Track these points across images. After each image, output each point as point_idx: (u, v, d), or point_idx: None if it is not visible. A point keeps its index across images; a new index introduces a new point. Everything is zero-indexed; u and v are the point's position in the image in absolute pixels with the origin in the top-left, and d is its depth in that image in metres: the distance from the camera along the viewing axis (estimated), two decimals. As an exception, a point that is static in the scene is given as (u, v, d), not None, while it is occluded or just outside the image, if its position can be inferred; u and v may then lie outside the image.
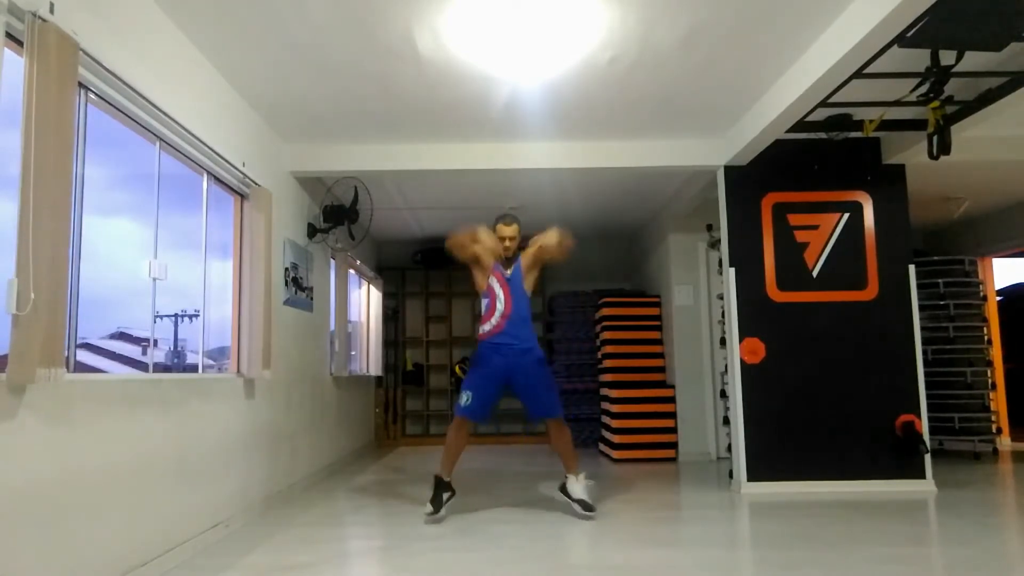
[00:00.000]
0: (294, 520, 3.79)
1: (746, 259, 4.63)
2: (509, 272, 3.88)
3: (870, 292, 4.56)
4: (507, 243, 3.87)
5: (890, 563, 2.83)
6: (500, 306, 3.81)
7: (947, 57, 3.31)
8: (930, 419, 5.11)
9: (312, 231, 5.07)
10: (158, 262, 2.96)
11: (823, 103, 3.65)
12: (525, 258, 3.91)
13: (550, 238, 3.86)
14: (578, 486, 3.74)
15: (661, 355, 6.51)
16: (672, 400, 6.22)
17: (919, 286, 5.17)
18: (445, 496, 3.74)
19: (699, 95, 3.98)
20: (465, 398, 3.77)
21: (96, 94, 2.58)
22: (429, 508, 3.67)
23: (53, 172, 2.08)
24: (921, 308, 5.76)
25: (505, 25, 3.14)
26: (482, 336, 3.87)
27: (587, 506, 3.67)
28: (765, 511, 3.92)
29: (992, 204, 6.48)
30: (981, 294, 6.29)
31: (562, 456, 3.85)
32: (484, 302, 3.89)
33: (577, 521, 3.67)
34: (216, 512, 3.36)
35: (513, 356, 3.78)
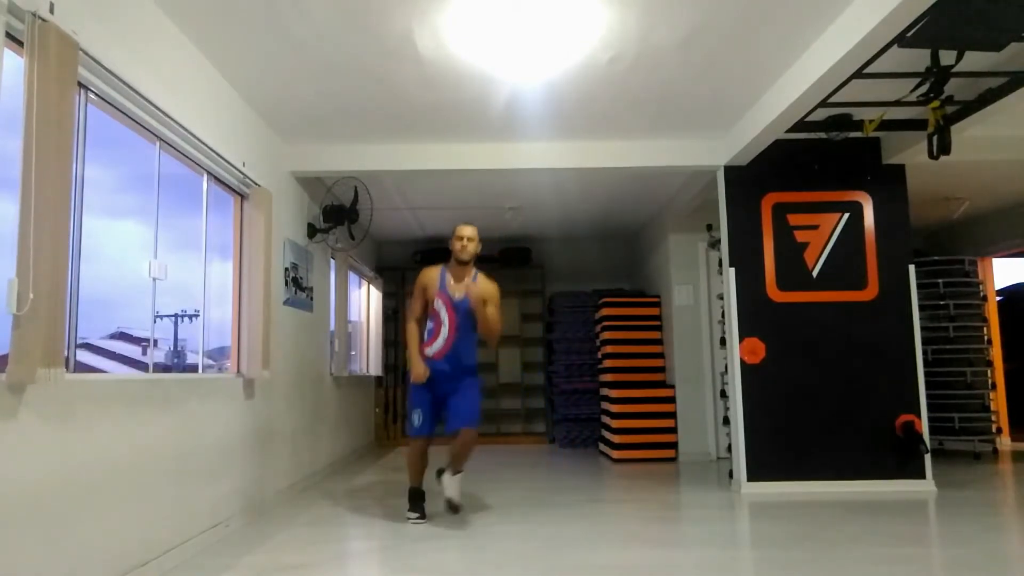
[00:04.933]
0: (294, 520, 3.79)
1: (746, 259, 4.62)
2: (459, 296, 3.69)
3: (870, 292, 4.56)
4: (465, 243, 3.68)
5: (890, 563, 2.84)
6: (444, 331, 3.67)
7: (947, 57, 3.31)
8: (930, 419, 5.11)
9: (312, 231, 5.07)
10: (158, 262, 2.96)
11: (823, 103, 3.65)
12: (477, 292, 3.66)
13: (492, 306, 3.67)
14: (454, 486, 3.67)
15: (661, 355, 6.51)
16: (672, 400, 6.22)
17: (919, 286, 5.17)
18: (420, 504, 3.74)
19: (699, 95, 3.98)
20: (416, 417, 3.72)
21: (96, 94, 2.58)
22: (414, 515, 3.67)
23: (53, 172, 2.08)
24: (921, 308, 5.76)
25: (505, 25, 3.14)
26: (425, 357, 3.74)
27: (453, 506, 3.65)
28: (765, 511, 3.92)
29: (992, 204, 6.48)
30: (981, 294, 6.29)
31: (455, 457, 3.69)
32: (429, 325, 3.76)
33: (577, 521, 3.67)
34: (216, 512, 3.36)
35: (448, 380, 3.69)
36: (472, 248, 3.70)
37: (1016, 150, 4.55)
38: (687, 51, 3.42)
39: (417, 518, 3.66)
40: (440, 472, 3.81)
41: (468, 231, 3.71)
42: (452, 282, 3.73)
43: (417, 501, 3.74)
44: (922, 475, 4.43)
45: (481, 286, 3.72)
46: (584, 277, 8.04)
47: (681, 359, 6.26)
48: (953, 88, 3.59)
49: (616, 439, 6.12)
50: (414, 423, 3.73)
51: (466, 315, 3.69)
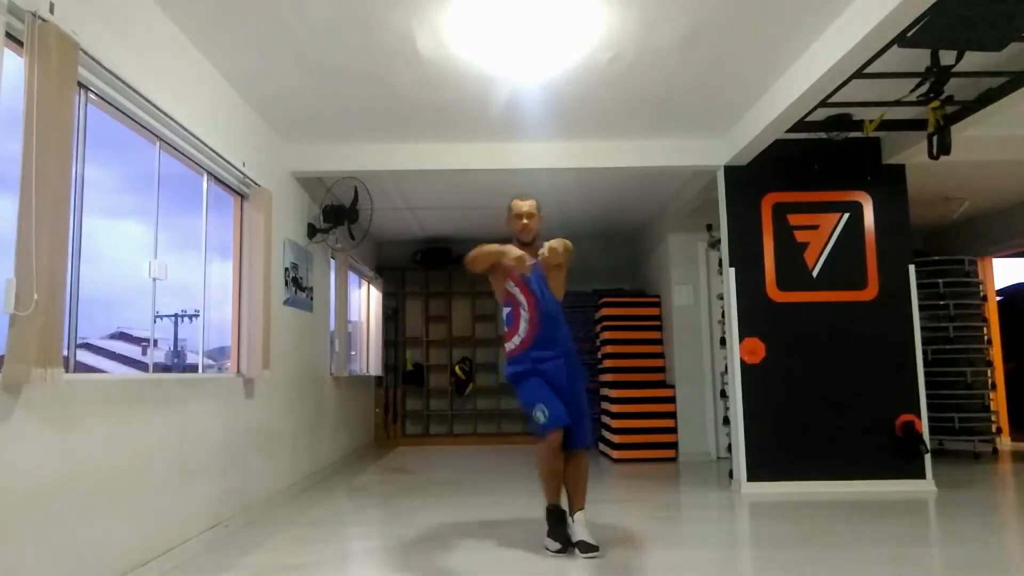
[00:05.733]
0: (294, 520, 3.79)
1: (746, 259, 4.62)
2: (528, 272, 3.13)
3: (870, 292, 4.56)
4: (525, 221, 3.16)
5: (890, 563, 2.83)
6: (525, 314, 3.13)
7: (947, 57, 3.31)
8: (930, 419, 5.11)
9: (312, 231, 5.07)
10: (158, 262, 2.96)
11: (823, 103, 3.65)
12: (544, 259, 3.09)
13: (557, 243, 3.07)
14: (577, 527, 3.09)
15: (661, 355, 6.51)
16: (672, 400, 6.22)
17: (919, 286, 5.16)
18: (562, 528, 3.10)
19: (699, 95, 3.98)
20: (540, 413, 3.02)
21: (96, 94, 2.58)
22: (555, 545, 3.04)
23: (53, 172, 2.08)
24: (921, 308, 5.76)
25: (505, 25, 3.14)
26: (511, 353, 3.18)
27: (587, 547, 2.99)
28: (765, 511, 3.91)
29: (992, 204, 6.48)
30: (981, 294, 6.29)
31: (571, 493, 3.19)
32: (506, 312, 3.22)
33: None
34: (216, 512, 3.36)
35: (558, 369, 3.14)
36: (534, 225, 3.17)
37: (1016, 150, 4.55)
38: (687, 51, 3.42)
39: (558, 549, 3.00)
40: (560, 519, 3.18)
41: (526, 206, 3.16)
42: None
43: (558, 525, 3.08)
44: (922, 475, 4.43)
45: (542, 257, 3.05)
46: (584, 277, 8.04)
47: (681, 359, 6.26)
48: (953, 88, 3.59)
49: (616, 439, 6.12)
50: (540, 419, 3.01)
51: (544, 292, 3.14)
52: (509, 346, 3.19)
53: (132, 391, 2.64)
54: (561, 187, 5.90)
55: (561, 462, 3.10)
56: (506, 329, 3.22)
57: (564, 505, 3.19)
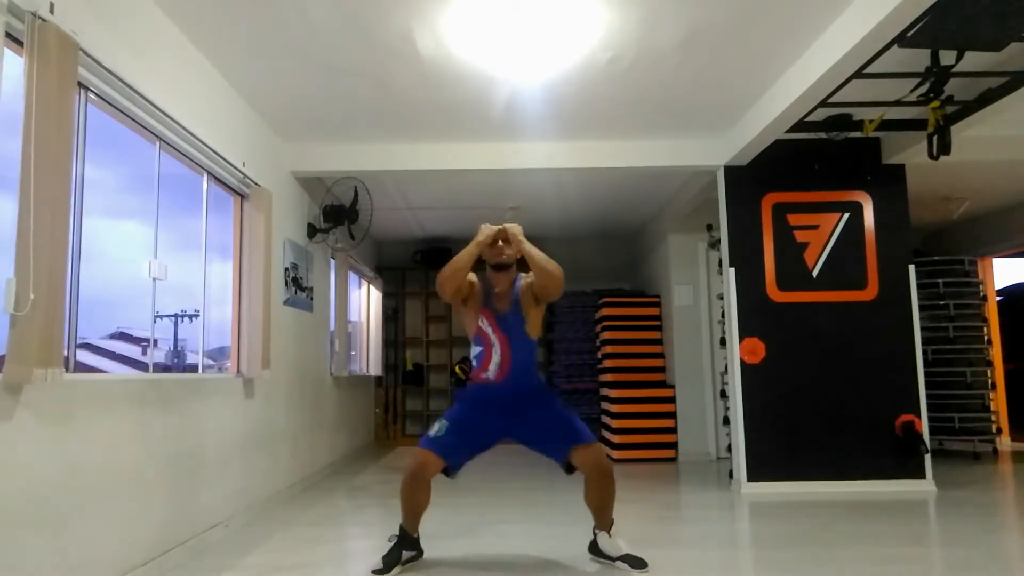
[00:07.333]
0: (294, 520, 3.79)
1: (746, 259, 4.62)
2: (506, 309, 2.94)
3: (870, 292, 4.56)
4: (500, 244, 2.90)
5: (890, 563, 2.83)
6: (496, 357, 2.91)
7: (947, 57, 3.31)
8: (930, 419, 5.10)
9: (312, 231, 5.07)
10: (158, 262, 2.96)
11: (823, 103, 3.65)
12: (523, 292, 2.95)
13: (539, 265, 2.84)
14: (618, 541, 2.90)
15: (661, 355, 6.50)
16: (672, 400, 6.22)
17: (919, 286, 5.16)
18: (406, 554, 2.88)
19: (699, 95, 3.98)
20: (439, 429, 2.84)
21: (96, 94, 2.58)
22: (378, 564, 2.80)
23: (53, 172, 2.08)
24: (921, 308, 5.75)
25: (505, 25, 3.14)
26: (480, 383, 2.98)
27: (636, 561, 2.82)
28: (765, 511, 3.91)
29: (992, 204, 6.48)
30: (981, 294, 6.29)
31: (596, 509, 2.90)
32: (476, 350, 2.97)
33: (579, 521, 3.65)
34: (216, 512, 3.36)
35: (517, 409, 2.92)
36: (511, 250, 2.91)
37: (1016, 150, 4.55)
38: (687, 51, 3.42)
39: (378, 570, 2.77)
40: (592, 546, 2.96)
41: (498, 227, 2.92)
42: (496, 294, 2.97)
43: (399, 548, 2.86)
44: (922, 475, 4.43)
45: (523, 287, 2.97)
46: (584, 277, 8.04)
47: (681, 359, 6.26)
48: (953, 88, 3.58)
49: (616, 439, 6.12)
50: (432, 432, 2.85)
51: (519, 334, 2.95)
52: (479, 377, 2.97)
53: (132, 391, 2.64)
54: (561, 187, 5.90)
55: (425, 490, 2.85)
56: (475, 366, 2.98)
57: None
